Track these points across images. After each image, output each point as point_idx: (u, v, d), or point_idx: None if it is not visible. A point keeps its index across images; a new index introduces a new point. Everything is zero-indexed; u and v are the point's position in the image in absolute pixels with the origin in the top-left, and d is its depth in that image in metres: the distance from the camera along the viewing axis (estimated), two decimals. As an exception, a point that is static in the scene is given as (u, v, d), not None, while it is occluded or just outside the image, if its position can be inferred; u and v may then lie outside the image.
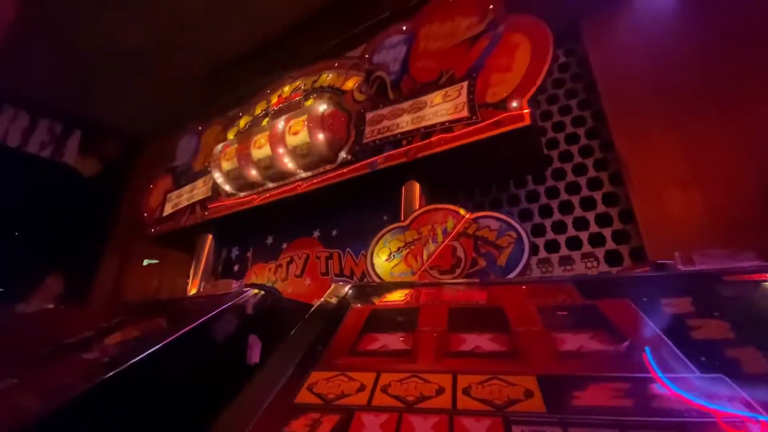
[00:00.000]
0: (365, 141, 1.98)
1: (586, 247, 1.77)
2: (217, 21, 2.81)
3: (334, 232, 2.24)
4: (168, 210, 2.87)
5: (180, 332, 0.78)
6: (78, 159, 3.86)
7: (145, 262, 3.49)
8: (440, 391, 0.49)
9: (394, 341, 0.64)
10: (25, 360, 0.90)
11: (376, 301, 0.81)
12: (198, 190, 2.72)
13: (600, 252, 1.74)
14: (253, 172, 2.31)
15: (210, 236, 2.67)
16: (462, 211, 1.19)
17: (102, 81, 3.33)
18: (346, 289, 0.86)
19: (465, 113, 1.70)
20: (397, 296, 0.82)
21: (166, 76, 3.30)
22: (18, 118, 3.57)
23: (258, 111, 2.68)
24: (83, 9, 2.72)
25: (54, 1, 2.65)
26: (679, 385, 0.46)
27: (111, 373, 0.65)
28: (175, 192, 2.91)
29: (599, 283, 0.77)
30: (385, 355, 0.61)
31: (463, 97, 1.73)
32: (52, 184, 3.75)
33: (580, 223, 1.82)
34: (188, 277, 2.60)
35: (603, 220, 1.78)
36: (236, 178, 2.40)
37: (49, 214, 3.71)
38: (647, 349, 0.51)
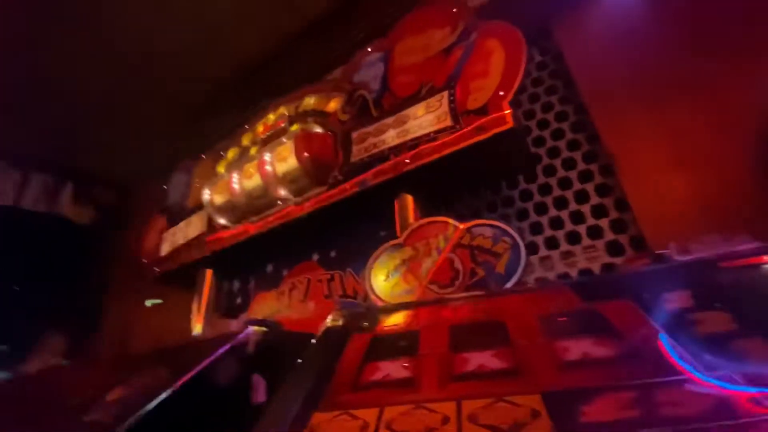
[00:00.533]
0: (353, 160, 1.98)
1: (586, 240, 1.75)
2: (192, 60, 2.84)
3: (333, 254, 2.23)
4: (165, 249, 2.86)
5: (179, 383, 0.76)
6: (73, 210, 3.87)
7: (148, 303, 3.46)
8: (445, 420, 0.47)
9: (396, 369, 0.63)
10: (25, 424, 0.88)
11: (377, 326, 0.79)
12: (193, 226, 2.71)
13: (600, 243, 1.72)
14: (246, 203, 2.31)
15: (209, 271, 2.65)
16: (455, 223, 1.18)
17: (87, 131, 3.36)
18: (346, 316, 0.84)
19: (448, 122, 1.70)
20: (397, 319, 0.80)
21: (149, 120, 3.32)
22: (9, 176, 3.58)
23: (245, 141, 2.70)
24: (60, 63, 2.75)
25: (34, 60, 2.69)
26: (690, 385, 0.45)
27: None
28: (171, 230, 2.90)
29: (596, 284, 0.75)
30: (388, 387, 0.59)
31: (445, 107, 1.74)
32: (49, 237, 3.75)
33: (577, 217, 1.81)
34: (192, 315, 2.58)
35: (599, 212, 1.77)
36: (230, 210, 2.40)
37: (49, 267, 3.70)
38: (653, 351, 0.50)
